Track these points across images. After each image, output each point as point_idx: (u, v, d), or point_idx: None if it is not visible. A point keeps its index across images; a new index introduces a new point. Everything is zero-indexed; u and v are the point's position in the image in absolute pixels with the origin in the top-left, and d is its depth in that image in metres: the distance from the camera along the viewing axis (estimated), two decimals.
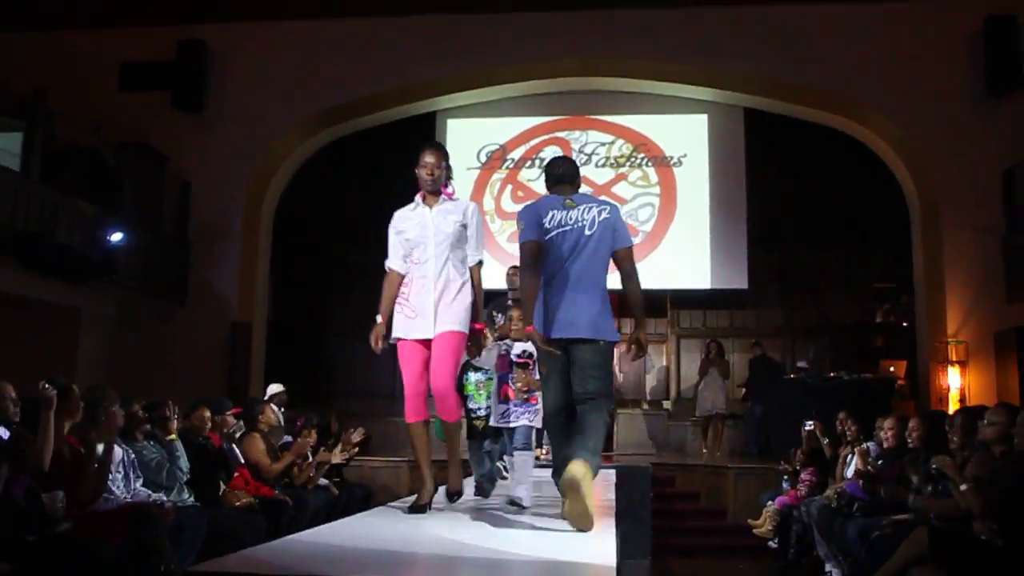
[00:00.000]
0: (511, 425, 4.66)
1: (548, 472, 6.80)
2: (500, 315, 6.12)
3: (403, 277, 4.14)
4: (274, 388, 9.43)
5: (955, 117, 11.33)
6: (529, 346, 4.52)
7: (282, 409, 8.89)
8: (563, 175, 4.18)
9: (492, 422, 4.77)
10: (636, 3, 11.83)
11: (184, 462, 5.54)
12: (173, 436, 5.55)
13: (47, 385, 4.34)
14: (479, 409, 4.95)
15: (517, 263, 7.59)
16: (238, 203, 12.23)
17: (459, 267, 4.15)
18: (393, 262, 4.21)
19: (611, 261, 4.04)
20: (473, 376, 4.98)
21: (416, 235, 4.12)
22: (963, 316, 11.07)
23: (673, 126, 12.94)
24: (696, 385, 11.85)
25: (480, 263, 4.22)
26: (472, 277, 4.18)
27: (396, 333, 4.08)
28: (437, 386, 4.02)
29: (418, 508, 4.00)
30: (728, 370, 11.74)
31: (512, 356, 4.73)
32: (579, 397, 3.85)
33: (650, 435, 12.17)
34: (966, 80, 11.35)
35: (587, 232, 3.95)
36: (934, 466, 5.04)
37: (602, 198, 4.26)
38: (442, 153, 4.18)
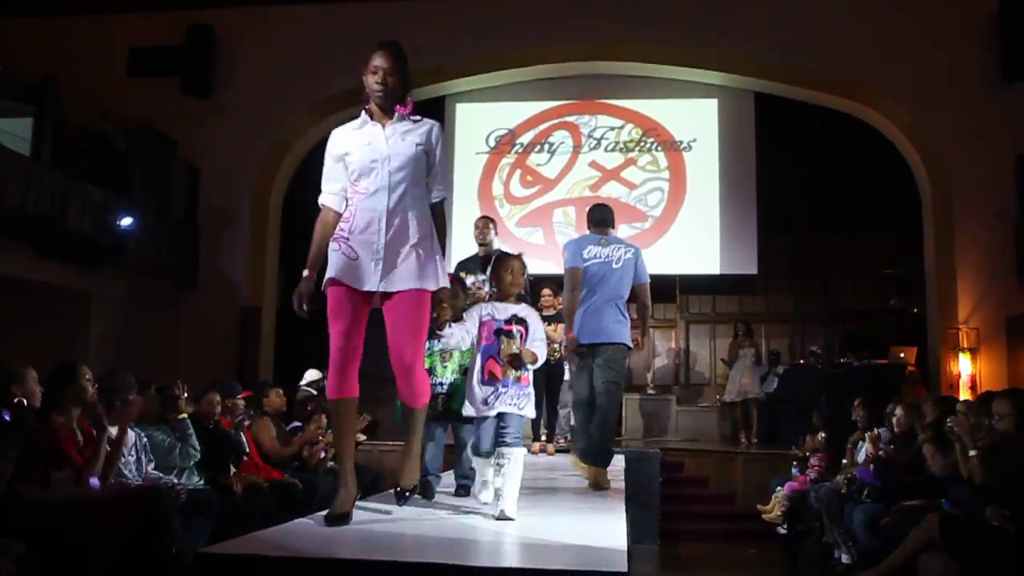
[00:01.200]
0: (496, 412, 3.60)
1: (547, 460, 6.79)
2: (472, 277, 5.57)
3: (340, 216, 3.36)
4: (312, 375, 9.42)
5: (968, 101, 11.23)
6: (520, 310, 3.76)
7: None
8: (602, 219, 5.37)
9: (470, 410, 3.67)
10: None
11: (195, 440, 5.55)
12: (183, 414, 5.56)
13: (102, 412, 4.52)
14: (439, 384, 4.08)
15: (490, 216, 6.72)
16: (247, 188, 12.24)
17: (419, 202, 3.33)
18: (328, 196, 3.40)
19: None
20: (436, 344, 3.96)
21: (363, 158, 3.29)
22: (975, 302, 11.01)
23: (683, 111, 12.88)
24: (730, 368, 11.40)
25: (443, 200, 3.44)
26: (435, 218, 3.39)
27: (328, 274, 3.31)
28: (402, 360, 3.31)
29: (340, 518, 3.14)
30: (760, 352, 11.40)
31: (499, 322, 3.67)
32: (598, 384, 4.97)
33: (659, 420, 12.16)
34: (980, 64, 11.25)
35: (614, 266, 5.14)
36: (949, 424, 5.05)
37: (628, 241, 5.38)
38: (398, 57, 3.29)
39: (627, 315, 5.15)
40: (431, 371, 4.02)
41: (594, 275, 5.11)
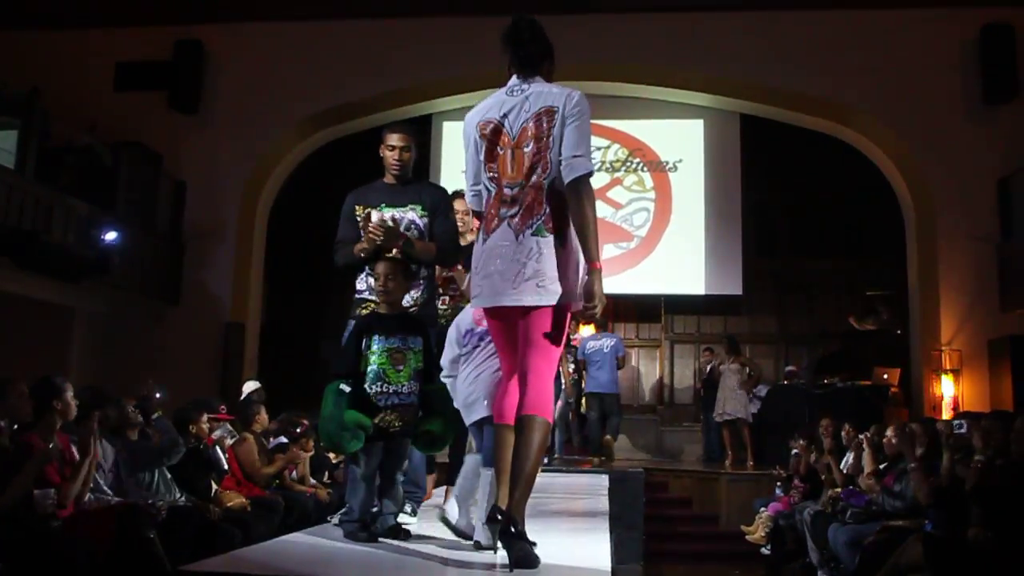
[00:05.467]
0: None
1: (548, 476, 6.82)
2: (388, 210, 3.96)
3: None
4: (251, 385, 9.34)
5: (951, 125, 11.34)
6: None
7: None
8: (602, 326, 10.55)
9: (484, 411, 3.35)
10: (632, 8, 11.83)
11: (176, 434, 5.51)
12: (158, 413, 5.52)
13: (48, 448, 4.31)
14: (393, 395, 3.28)
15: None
16: (233, 204, 12.20)
17: None
18: None
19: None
20: (379, 343, 3.32)
21: None
22: (957, 324, 11.08)
23: (669, 131, 12.94)
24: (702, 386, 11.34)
25: None
26: None
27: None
28: None
29: None
30: (750, 366, 10.93)
31: None
32: (607, 416, 10.15)
33: (643, 440, 12.17)
34: (962, 88, 11.37)
35: (604, 350, 10.14)
36: (959, 425, 5.06)
37: (613, 333, 10.79)
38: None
39: (616, 376, 10.22)
40: (378, 376, 3.28)
41: (596, 355, 10.15)
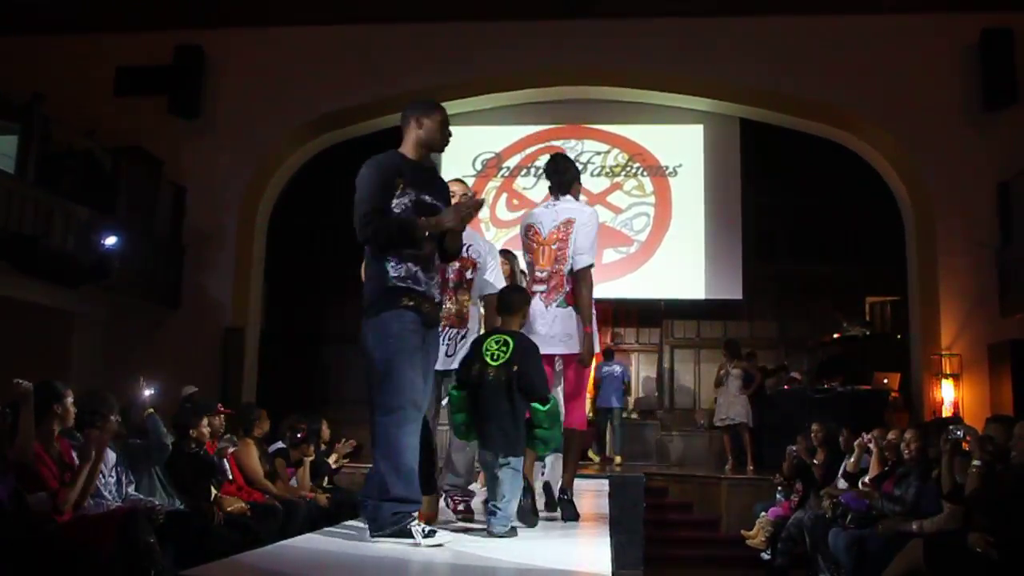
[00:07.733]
0: None
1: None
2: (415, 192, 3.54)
3: None
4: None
5: (950, 129, 11.35)
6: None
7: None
8: (611, 355, 12.00)
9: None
10: (633, 12, 11.85)
11: (163, 431, 5.51)
12: (150, 410, 5.51)
13: (19, 381, 4.29)
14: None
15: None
16: (233, 208, 12.19)
17: None
18: None
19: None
20: None
21: None
22: (957, 329, 11.07)
23: (669, 136, 12.95)
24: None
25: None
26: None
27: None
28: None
29: None
30: (750, 372, 10.93)
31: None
32: (614, 427, 11.75)
33: (643, 445, 12.15)
34: (962, 93, 11.38)
35: (615, 375, 11.78)
36: (959, 432, 5.03)
37: (621, 362, 12.33)
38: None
39: (622, 395, 11.81)
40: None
41: (609, 378, 11.66)
